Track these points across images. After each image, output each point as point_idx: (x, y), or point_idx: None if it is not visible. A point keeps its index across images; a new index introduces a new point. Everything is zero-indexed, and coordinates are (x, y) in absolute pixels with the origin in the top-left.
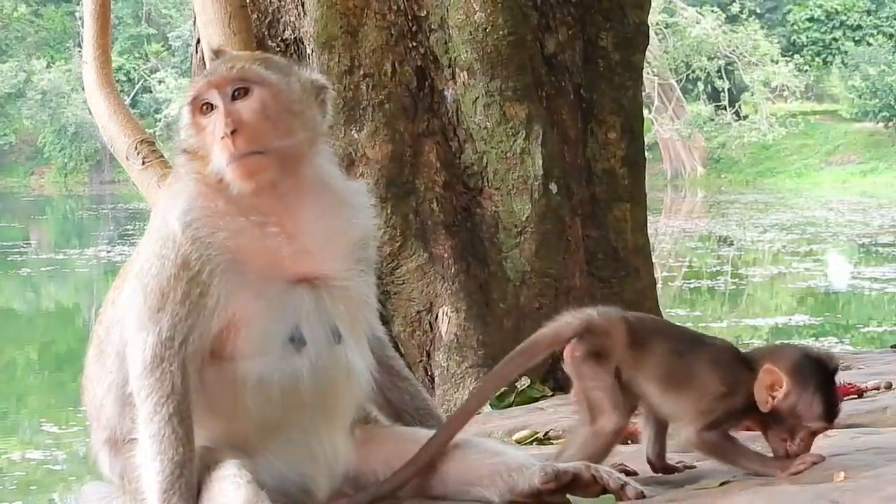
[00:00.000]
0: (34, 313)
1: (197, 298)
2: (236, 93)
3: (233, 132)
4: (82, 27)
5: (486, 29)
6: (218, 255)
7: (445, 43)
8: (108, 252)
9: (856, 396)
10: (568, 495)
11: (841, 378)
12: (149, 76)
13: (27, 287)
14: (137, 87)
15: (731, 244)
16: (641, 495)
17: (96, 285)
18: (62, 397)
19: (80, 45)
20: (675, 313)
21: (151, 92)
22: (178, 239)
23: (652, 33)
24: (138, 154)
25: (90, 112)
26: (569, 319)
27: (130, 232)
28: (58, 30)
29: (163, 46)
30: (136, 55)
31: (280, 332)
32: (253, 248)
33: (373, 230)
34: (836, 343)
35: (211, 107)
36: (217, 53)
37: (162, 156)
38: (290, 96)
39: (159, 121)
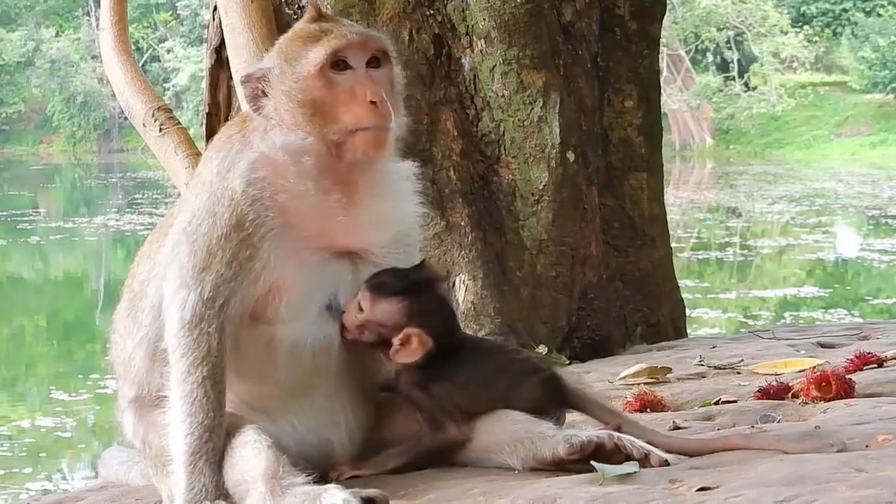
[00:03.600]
0: (43, 281)
1: (245, 261)
2: (373, 61)
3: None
4: None
5: None
6: (274, 217)
7: (463, 11)
8: (117, 221)
9: (876, 366)
10: (592, 462)
11: (861, 348)
12: (157, 45)
13: (36, 255)
14: (146, 56)
15: (740, 215)
16: (665, 463)
17: (104, 254)
18: (71, 365)
19: (88, 14)
20: (683, 284)
21: (160, 61)
22: (237, 197)
23: None
24: (155, 121)
25: (100, 80)
26: None
27: (139, 201)
28: None
29: (171, 15)
30: (145, 24)
31: (318, 299)
32: (310, 212)
33: (419, 216)
34: (846, 315)
35: (345, 66)
36: (321, 15)
37: (179, 123)
38: (401, 78)
39: (168, 90)
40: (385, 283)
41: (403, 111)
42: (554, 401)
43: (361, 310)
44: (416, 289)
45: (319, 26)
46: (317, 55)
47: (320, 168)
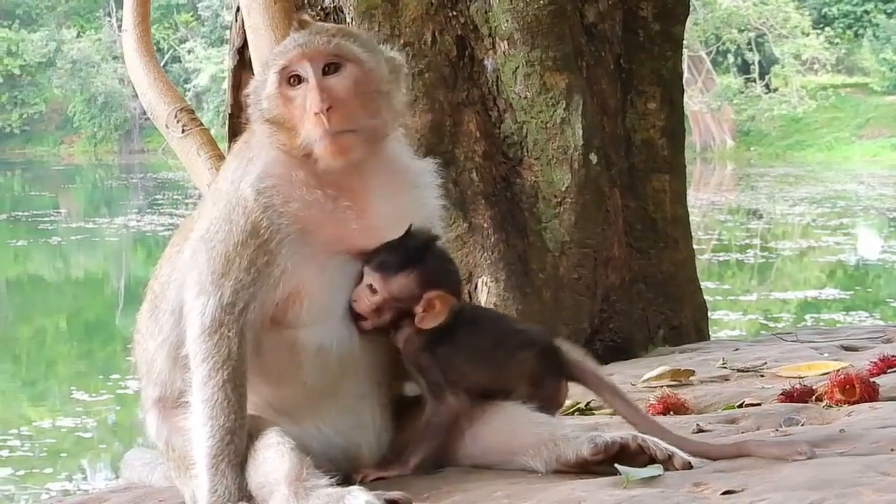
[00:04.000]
0: (63, 282)
1: (263, 267)
2: (328, 67)
3: (327, 109)
4: None
5: None
6: (288, 224)
7: (486, 12)
8: (137, 221)
9: None
10: (616, 465)
11: (885, 351)
12: (178, 46)
13: (57, 256)
14: (167, 56)
15: (761, 217)
16: (689, 465)
17: (125, 254)
18: (91, 365)
19: (109, 15)
20: (704, 286)
21: (181, 62)
22: (250, 205)
23: None
24: (178, 122)
25: (121, 81)
26: None
27: (159, 201)
28: None
29: (192, 16)
30: (166, 25)
31: (341, 302)
32: (323, 219)
33: (438, 210)
34: (867, 317)
35: (299, 79)
36: (302, 24)
37: (201, 124)
38: (379, 75)
39: (188, 90)
40: (388, 259)
41: (391, 102)
42: (553, 373)
43: (374, 292)
44: (420, 255)
45: (290, 40)
46: (271, 78)
47: (318, 177)
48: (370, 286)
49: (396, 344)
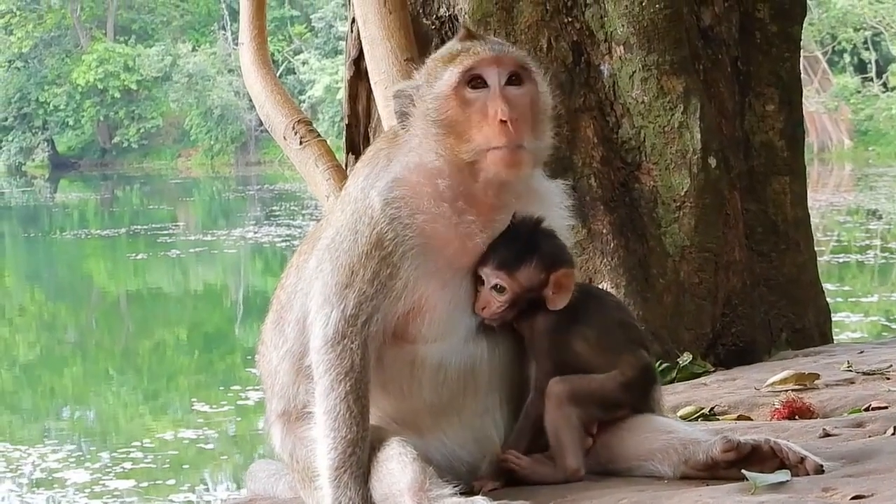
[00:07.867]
0: (183, 294)
1: (386, 279)
2: (512, 78)
3: (514, 119)
4: (227, 11)
5: (642, 3)
6: (413, 238)
7: (601, 17)
8: (255, 233)
9: None
10: (743, 471)
11: None
12: (292, 57)
13: (176, 268)
14: (282, 68)
15: (881, 218)
16: (820, 469)
17: (243, 266)
18: (211, 377)
19: (224, 29)
20: (824, 288)
21: (295, 73)
22: (376, 216)
23: None
24: (296, 134)
25: (237, 94)
26: None
27: (276, 212)
28: (202, 13)
29: (306, 28)
30: (280, 37)
31: (463, 319)
32: (447, 234)
33: (565, 231)
34: None
35: (481, 83)
36: (471, 34)
37: (319, 135)
38: (548, 99)
39: (303, 101)
40: (506, 254)
41: (549, 130)
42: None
43: (502, 290)
44: (533, 240)
45: (462, 45)
46: (451, 74)
47: (455, 190)
48: (496, 286)
49: (523, 332)
